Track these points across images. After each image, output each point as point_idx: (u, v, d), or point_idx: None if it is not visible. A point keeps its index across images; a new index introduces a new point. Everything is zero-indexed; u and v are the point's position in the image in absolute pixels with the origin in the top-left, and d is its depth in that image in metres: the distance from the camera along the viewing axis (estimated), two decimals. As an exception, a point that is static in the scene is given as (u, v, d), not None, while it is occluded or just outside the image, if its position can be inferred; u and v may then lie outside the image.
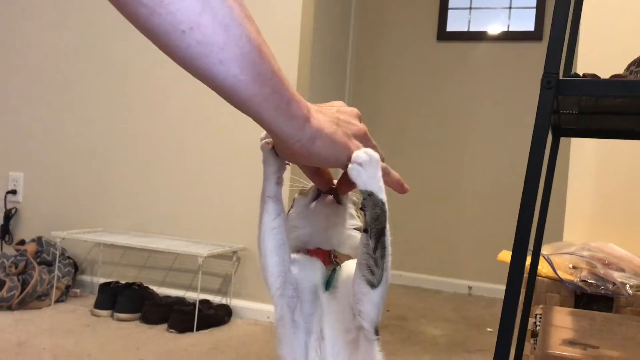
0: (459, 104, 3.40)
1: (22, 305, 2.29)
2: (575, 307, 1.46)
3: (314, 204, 0.62)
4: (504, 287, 0.86)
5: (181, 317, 2.16)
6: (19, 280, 2.29)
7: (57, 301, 2.41)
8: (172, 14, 0.41)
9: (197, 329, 2.16)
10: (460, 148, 3.39)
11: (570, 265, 1.51)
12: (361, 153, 0.53)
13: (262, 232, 0.58)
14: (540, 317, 1.20)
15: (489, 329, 2.50)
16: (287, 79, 0.49)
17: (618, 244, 1.63)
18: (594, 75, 0.91)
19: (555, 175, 1.39)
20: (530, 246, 1.22)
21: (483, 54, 3.39)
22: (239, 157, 2.42)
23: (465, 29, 3.49)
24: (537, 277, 1.46)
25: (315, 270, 0.60)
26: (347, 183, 0.59)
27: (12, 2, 2.84)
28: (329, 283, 0.59)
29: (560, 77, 0.82)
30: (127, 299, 2.26)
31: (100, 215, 2.66)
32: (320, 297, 0.59)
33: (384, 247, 0.53)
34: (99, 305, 2.29)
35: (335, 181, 0.62)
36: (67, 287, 2.49)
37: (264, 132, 0.55)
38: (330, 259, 0.61)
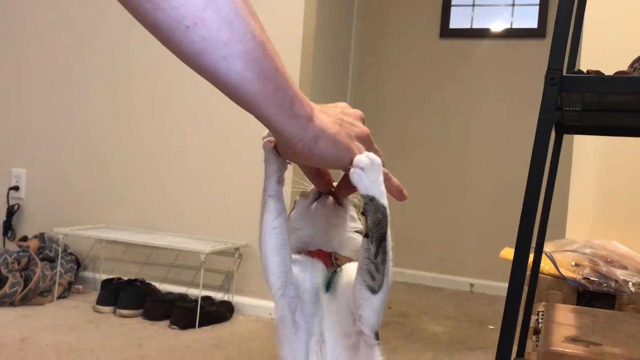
0: (462, 101, 3.39)
1: (25, 301, 2.30)
2: (577, 304, 1.46)
3: (314, 205, 0.62)
4: (506, 285, 0.86)
5: (183, 313, 2.17)
6: (21, 276, 2.30)
7: (59, 297, 2.42)
8: (176, 9, 0.41)
9: (199, 326, 2.16)
10: (463, 145, 3.39)
11: (573, 263, 1.50)
12: (363, 157, 0.53)
13: (263, 231, 0.57)
14: (542, 315, 1.20)
15: (490, 327, 2.50)
16: (291, 77, 0.48)
17: (621, 241, 1.63)
18: (598, 72, 0.91)
19: (558, 172, 1.39)
20: (533, 243, 1.22)
21: (486, 51, 3.38)
22: (242, 154, 2.42)
23: (468, 26, 3.48)
24: (539, 275, 1.46)
25: (316, 271, 0.59)
26: (347, 186, 0.59)
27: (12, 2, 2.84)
28: (329, 284, 0.59)
29: (564, 74, 0.82)
30: (130, 295, 2.26)
31: (102, 212, 2.67)
32: (321, 299, 0.59)
33: (385, 253, 0.53)
34: (101, 301, 2.29)
35: (334, 183, 0.62)
36: (70, 284, 2.49)
37: (266, 131, 0.55)
38: (331, 261, 0.60)
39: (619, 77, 0.89)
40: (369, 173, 0.53)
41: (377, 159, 0.54)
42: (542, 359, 0.83)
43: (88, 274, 2.66)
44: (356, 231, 0.62)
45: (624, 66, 1.10)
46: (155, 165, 2.61)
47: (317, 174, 0.60)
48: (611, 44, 1.91)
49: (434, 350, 2.11)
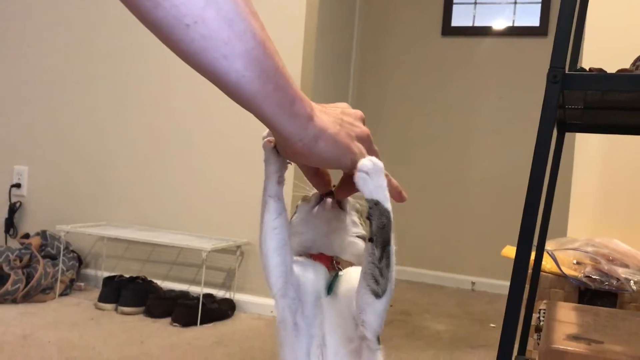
0: (463, 99, 3.38)
1: (27, 298, 2.30)
2: (579, 302, 1.45)
3: (316, 208, 0.62)
4: (507, 283, 0.86)
5: (185, 311, 2.17)
6: (23, 273, 2.30)
7: (61, 294, 2.42)
8: (177, 7, 0.41)
9: (201, 323, 2.17)
10: (465, 143, 3.38)
11: (574, 261, 1.50)
12: (367, 161, 0.53)
13: (264, 231, 0.57)
14: (544, 313, 1.20)
15: (492, 325, 2.50)
16: (292, 76, 0.48)
17: (622, 239, 1.62)
18: (600, 70, 0.91)
19: (559, 170, 1.39)
20: (534, 242, 1.22)
21: (488, 50, 3.38)
22: (243, 152, 2.42)
23: (470, 24, 3.47)
24: (541, 273, 1.46)
25: (318, 273, 0.59)
26: (347, 187, 0.59)
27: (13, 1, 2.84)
28: (330, 287, 0.59)
29: (567, 72, 0.82)
30: (131, 293, 2.27)
31: (104, 209, 2.67)
32: (322, 302, 0.58)
33: (389, 257, 0.53)
34: (103, 298, 2.30)
35: (334, 185, 0.62)
36: (72, 281, 2.50)
37: (266, 130, 0.54)
38: (333, 265, 0.60)
39: (622, 75, 0.89)
40: (373, 177, 0.53)
41: (380, 163, 0.54)
42: (544, 357, 0.83)
43: (90, 272, 2.67)
44: (358, 236, 0.62)
45: (626, 64, 1.10)
46: (157, 163, 2.61)
47: (316, 174, 0.60)
48: (613, 42, 1.91)
49: (436, 348, 2.11)
